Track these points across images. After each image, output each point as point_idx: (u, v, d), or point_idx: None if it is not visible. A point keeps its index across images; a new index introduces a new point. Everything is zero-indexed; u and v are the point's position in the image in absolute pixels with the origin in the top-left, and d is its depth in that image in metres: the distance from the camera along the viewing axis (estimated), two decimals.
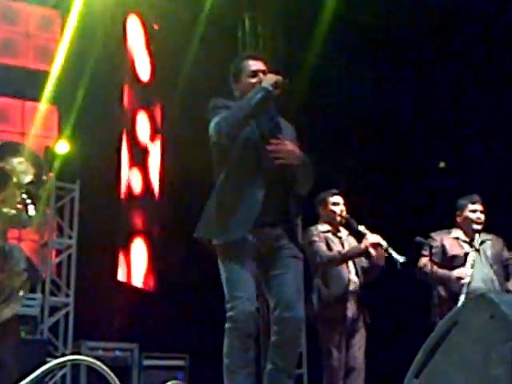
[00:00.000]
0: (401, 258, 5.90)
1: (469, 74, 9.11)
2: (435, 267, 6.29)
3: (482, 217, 6.52)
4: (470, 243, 6.46)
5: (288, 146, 4.26)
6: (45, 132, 10.19)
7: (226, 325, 4.15)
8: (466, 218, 6.52)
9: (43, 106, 10.16)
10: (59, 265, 9.41)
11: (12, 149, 5.68)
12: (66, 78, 9.90)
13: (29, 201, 5.54)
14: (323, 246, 6.24)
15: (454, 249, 6.45)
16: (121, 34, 10.62)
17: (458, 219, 6.60)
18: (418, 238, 6.38)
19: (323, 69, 9.81)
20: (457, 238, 6.50)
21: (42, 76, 10.15)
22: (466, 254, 6.38)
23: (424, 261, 6.41)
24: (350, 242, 6.46)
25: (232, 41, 10.13)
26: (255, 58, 4.53)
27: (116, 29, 10.39)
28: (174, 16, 10.48)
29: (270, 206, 4.22)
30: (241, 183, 4.23)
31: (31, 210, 5.60)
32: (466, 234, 6.53)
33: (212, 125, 4.27)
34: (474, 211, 6.52)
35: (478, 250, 6.40)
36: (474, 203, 6.54)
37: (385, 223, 8.18)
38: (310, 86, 9.52)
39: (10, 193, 5.50)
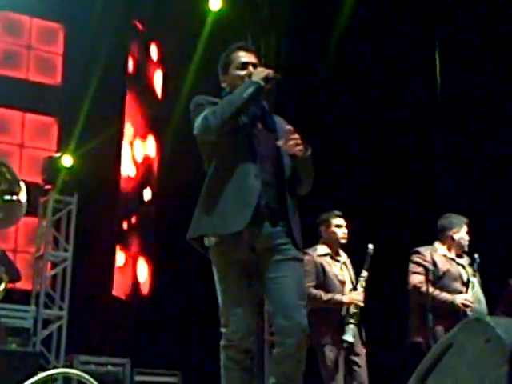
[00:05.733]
0: (349, 338, 5.95)
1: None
2: (436, 290, 6.19)
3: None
4: (455, 261, 6.39)
5: (296, 135, 3.93)
6: (44, 144, 10.20)
7: (221, 342, 3.89)
8: (459, 238, 6.44)
9: (43, 117, 10.19)
10: (54, 277, 9.38)
11: None
12: (68, 91, 9.95)
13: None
14: (311, 281, 6.17)
15: (445, 266, 6.36)
16: (125, 49, 10.66)
17: (444, 236, 6.49)
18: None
19: (326, 87, 9.82)
20: (444, 255, 6.42)
21: (43, 88, 10.19)
22: (460, 274, 6.32)
23: (420, 279, 6.27)
24: (348, 267, 6.44)
25: None
26: (247, 50, 4.19)
27: (121, 43, 10.43)
28: (177, 32, 10.53)
29: (267, 197, 3.91)
30: (234, 173, 3.90)
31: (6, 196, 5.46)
32: (449, 251, 6.45)
33: (199, 121, 3.95)
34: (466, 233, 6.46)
35: (474, 272, 6.35)
36: (466, 225, 6.48)
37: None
38: (312, 105, 9.53)
39: None
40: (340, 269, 6.35)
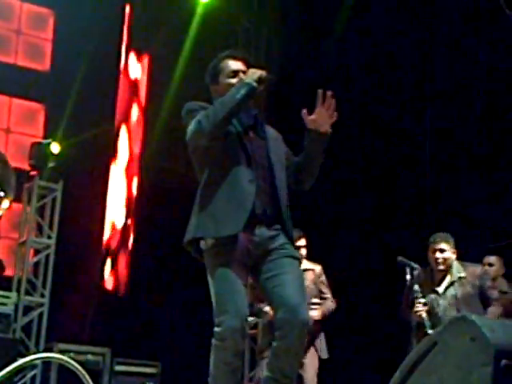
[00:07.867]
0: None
1: None
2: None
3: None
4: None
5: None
6: (30, 130, 10.14)
7: (213, 341, 3.80)
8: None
9: (30, 103, 10.13)
10: (36, 264, 9.33)
11: None
12: (57, 77, 9.89)
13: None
14: None
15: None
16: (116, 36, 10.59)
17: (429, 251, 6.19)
18: (400, 258, 6.13)
19: (317, 81, 9.80)
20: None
21: (31, 74, 10.13)
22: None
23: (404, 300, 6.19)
24: (305, 276, 6.51)
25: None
26: (235, 58, 4.17)
27: (111, 30, 10.37)
28: (166, 24, 10.47)
29: (262, 203, 3.91)
30: (228, 178, 3.89)
31: (5, 204, 5.41)
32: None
33: (191, 126, 3.91)
34: (438, 250, 6.11)
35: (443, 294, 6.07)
36: (435, 243, 6.12)
37: None
38: (303, 98, 9.50)
39: None
40: None
